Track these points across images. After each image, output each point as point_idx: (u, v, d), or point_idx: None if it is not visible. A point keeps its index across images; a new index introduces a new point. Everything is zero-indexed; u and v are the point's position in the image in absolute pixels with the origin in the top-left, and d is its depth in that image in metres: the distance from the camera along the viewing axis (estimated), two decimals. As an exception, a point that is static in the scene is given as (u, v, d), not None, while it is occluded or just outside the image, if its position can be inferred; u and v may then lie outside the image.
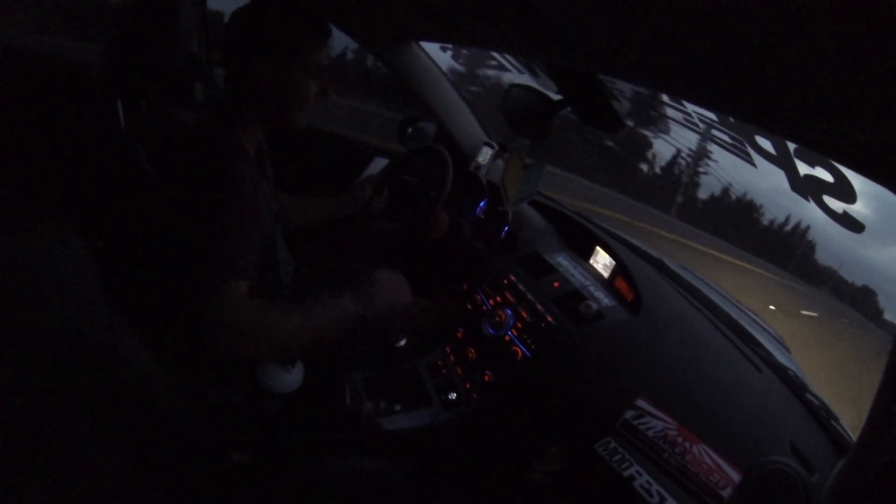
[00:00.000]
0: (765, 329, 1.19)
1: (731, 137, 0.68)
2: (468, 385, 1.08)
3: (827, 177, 0.54)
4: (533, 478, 0.89)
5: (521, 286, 1.10)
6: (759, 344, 1.00)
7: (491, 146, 1.42)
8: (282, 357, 0.85)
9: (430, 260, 1.36)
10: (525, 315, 1.04)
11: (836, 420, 0.85)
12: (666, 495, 0.72)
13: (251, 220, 0.78)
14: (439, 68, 1.41)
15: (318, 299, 0.84)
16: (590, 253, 1.22)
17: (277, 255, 0.93)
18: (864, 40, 0.31)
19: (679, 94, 0.67)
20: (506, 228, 1.27)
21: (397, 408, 1.01)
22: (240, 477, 0.79)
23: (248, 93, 0.80)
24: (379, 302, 0.88)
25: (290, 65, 0.79)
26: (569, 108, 1.02)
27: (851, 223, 0.56)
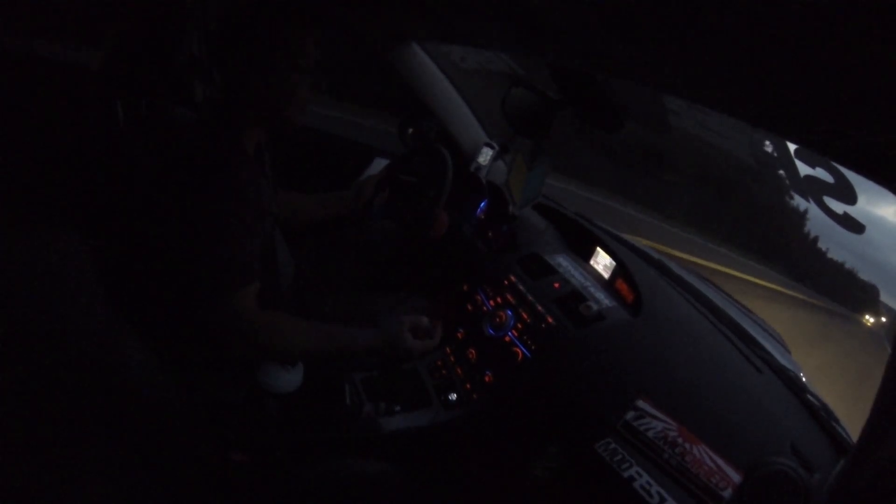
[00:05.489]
0: (765, 330, 1.19)
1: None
2: (468, 386, 1.08)
3: (827, 177, 0.54)
4: (533, 476, 0.89)
5: (521, 287, 1.10)
6: (759, 345, 1.00)
7: (491, 146, 1.42)
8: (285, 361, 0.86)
9: (431, 260, 1.36)
10: (525, 316, 1.04)
11: (836, 420, 0.85)
12: (666, 496, 0.72)
13: (254, 220, 0.78)
14: (439, 68, 1.40)
15: (338, 330, 0.86)
16: (590, 254, 1.22)
17: (277, 258, 0.94)
18: (864, 40, 0.31)
19: (679, 94, 0.67)
20: (506, 229, 1.27)
21: (397, 408, 1.01)
22: (240, 477, 0.79)
23: (245, 94, 0.80)
24: (398, 349, 0.88)
25: (283, 63, 0.79)
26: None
27: (852, 224, 0.56)
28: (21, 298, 0.38)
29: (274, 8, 0.78)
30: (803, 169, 0.56)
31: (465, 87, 1.44)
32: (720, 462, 0.73)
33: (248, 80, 0.78)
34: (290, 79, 0.80)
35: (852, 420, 0.76)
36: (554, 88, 1.06)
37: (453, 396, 1.06)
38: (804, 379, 0.97)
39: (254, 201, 0.78)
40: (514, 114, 1.19)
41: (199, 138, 0.80)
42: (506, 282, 1.14)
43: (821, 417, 0.85)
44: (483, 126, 1.50)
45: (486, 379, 1.05)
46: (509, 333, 1.04)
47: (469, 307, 1.20)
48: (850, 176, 0.52)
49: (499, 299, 1.13)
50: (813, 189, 0.56)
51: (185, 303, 0.78)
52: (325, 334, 0.84)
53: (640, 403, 0.80)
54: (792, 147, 0.55)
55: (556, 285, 1.09)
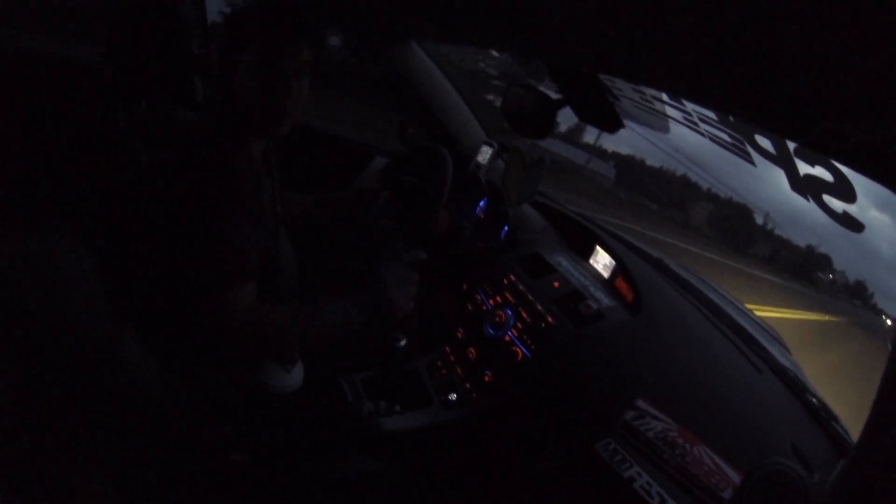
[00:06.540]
0: (765, 330, 1.19)
1: (731, 136, 0.68)
2: (468, 385, 1.08)
3: (827, 176, 0.53)
4: (533, 476, 0.89)
5: (521, 286, 1.10)
6: (759, 345, 1.00)
7: (491, 145, 1.42)
8: (282, 356, 0.86)
9: (431, 260, 1.36)
10: (525, 315, 1.04)
11: (836, 420, 0.85)
12: (666, 496, 0.72)
13: (254, 221, 0.78)
14: (439, 68, 1.40)
15: (323, 305, 0.83)
16: (590, 253, 1.22)
17: (280, 258, 0.93)
18: (863, 39, 0.31)
19: (679, 94, 0.67)
20: (506, 228, 1.27)
21: (397, 408, 1.01)
22: (240, 477, 0.79)
23: (250, 100, 0.80)
24: (383, 305, 0.87)
25: (283, 67, 0.79)
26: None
27: (851, 223, 0.55)
28: (21, 298, 0.38)
29: (277, 13, 0.78)
30: (803, 168, 0.56)
31: (465, 87, 1.44)
32: (720, 462, 0.73)
33: (253, 86, 0.78)
34: (293, 81, 0.80)
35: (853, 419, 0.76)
36: (554, 88, 1.06)
37: (453, 396, 1.06)
38: (804, 379, 0.97)
39: (254, 203, 0.78)
40: (513, 114, 1.19)
41: (202, 142, 0.80)
42: (505, 281, 1.14)
43: (821, 417, 0.85)
44: (482, 125, 1.50)
45: (486, 378, 1.05)
46: (509, 333, 1.04)
47: (469, 307, 1.20)
48: (850, 175, 0.52)
49: (498, 298, 1.13)
50: (812, 188, 0.56)
51: (185, 302, 0.78)
52: (316, 316, 0.81)
53: (640, 403, 0.80)
54: (792, 146, 0.55)
55: (556, 284, 1.09)
